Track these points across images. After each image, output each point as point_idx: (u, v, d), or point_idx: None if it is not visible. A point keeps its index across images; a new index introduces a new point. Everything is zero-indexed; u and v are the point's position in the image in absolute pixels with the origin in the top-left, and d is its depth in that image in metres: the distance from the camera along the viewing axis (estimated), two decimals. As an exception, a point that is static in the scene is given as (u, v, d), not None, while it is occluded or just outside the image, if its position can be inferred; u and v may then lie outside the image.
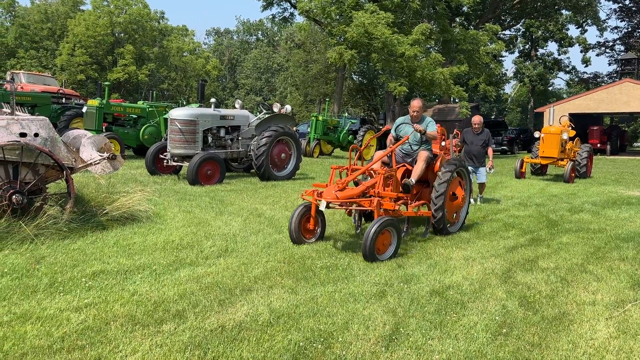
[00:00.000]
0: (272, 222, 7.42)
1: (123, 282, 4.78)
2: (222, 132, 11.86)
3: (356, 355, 3.60)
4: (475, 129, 10.18)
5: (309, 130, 22.03)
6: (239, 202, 8.99)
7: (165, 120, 13.66)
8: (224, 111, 12.11)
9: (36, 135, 5.95)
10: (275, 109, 12.40)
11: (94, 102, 14.06)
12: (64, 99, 17.84)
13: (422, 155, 7.04)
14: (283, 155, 12.09)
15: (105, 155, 6.56)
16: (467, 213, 7.83)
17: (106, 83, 15.02)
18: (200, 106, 12.69)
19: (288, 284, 4.90)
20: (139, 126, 14.64)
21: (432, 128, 7.28)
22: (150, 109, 14.96)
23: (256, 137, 11.86)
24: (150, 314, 4.09)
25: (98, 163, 6.52)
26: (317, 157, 21.60)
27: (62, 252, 5.52)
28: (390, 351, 3.68)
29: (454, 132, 9.90)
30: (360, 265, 5.60)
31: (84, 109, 14.31)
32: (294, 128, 14.83)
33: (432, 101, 42.76)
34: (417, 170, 6.94)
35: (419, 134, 7.20)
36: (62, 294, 4.47)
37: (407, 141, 7.22)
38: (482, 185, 10.23)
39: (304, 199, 6.50)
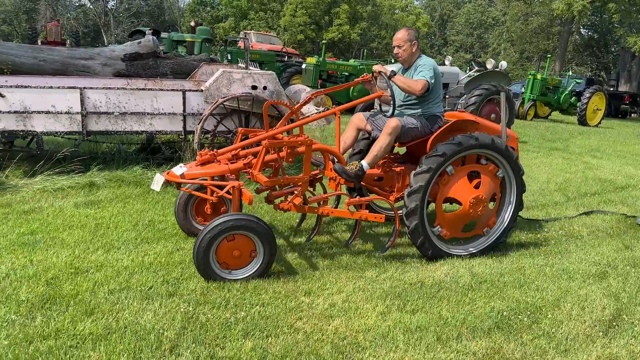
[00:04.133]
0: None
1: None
2: (430, 90, 11.65)
3: (567, 335, 3.30)
4: None
5: (523, 90, 20.33)
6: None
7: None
8: (433, 68, 11.85)
9: (265, 88, 6.60)
10: (489, 66, 11.69)
11: (311, 60, 15.01)
12: (286, 57, 19.46)
13: (389, 125, 4.34)
14: (493, 115, 11.41)
15: (321, 109, 6.97)
16: (511, 224, 4.68)
17: (323, 42, 15.86)
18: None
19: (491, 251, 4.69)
20: (351, 83, 15.26)
21: (422, 75, 4.40)
22: (360, 67, 15.41)
23: (465, 96, 11.38)
24: (354, 260, 4.31)
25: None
26: (531, 119, 19.88)
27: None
28: (609, 337, 3.29)
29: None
30: (577, 242, 5.06)
31: (303, 66, 15.38)
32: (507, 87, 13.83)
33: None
34: (375, 148, 4.39)
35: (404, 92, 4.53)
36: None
37: (399, 100, 4.65)
38: None
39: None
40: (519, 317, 3.49)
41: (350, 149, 4.96)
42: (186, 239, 4.56)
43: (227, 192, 3.94)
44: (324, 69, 14.99)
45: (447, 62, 12.48)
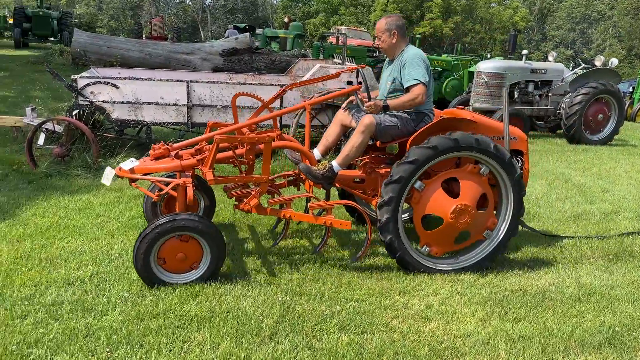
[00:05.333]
0: (582, 191, 6.67)
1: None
2: (531, 87, 11.07)
3: (692, 360, 3.00)
4: None
5: (630, 89, 18.77)
6: (542, 163, 8.35)
7: (469, 73, 13.46)
8: (535, 64, 11.23)
9: (360, 83, 6.57)
10: (598, 63, 10.88)
11: (403, 55, 14.80)
12: (376, 52, 19.31)
13: (362, 122, 3.90)
14: (600, 116, 10.62)
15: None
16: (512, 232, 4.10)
17: (417, 36, 15.57)
18: (509, 58, 12.06)
19: (600, 262, 4.38)
20: (442, 79, 14.82)
21: (412, 77, 3.88)
22: (455, 62, 14.94)
23: (569, 94, 10.69)
24: (451, 262, 4.19)
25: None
26: (640, 121, 18.32)
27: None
28: None
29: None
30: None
31: (395, 61, 15.22)
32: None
33: None
34: (346, 147, 3.97)
35: (391, 82, 4.10)
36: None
37: (382, 95, 4.22)
38: None
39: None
40: (633, 334, 3.24)
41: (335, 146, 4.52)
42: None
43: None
44: (416, 64, 14.73)
45: (550, 58, 11.79)
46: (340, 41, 19.34)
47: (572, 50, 56.38)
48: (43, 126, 5.84)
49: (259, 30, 24.95)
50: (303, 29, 27.88)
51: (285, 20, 24.99)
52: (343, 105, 4.36)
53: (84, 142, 6.02)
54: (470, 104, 11.00)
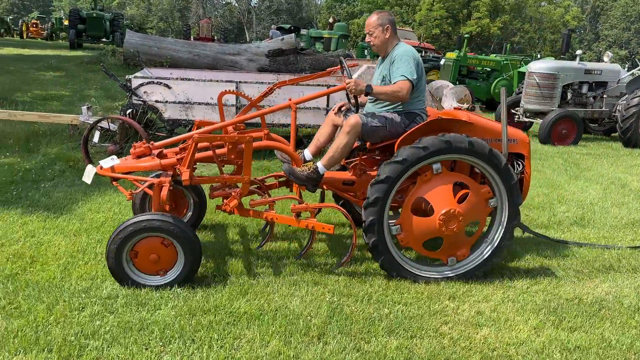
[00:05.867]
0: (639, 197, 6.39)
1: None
2: (585, 89, 10.68)
3: None
4: None
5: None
6: (597, 168, 8.04)
7: (519, 74, 13.12)
8: (589, 65, 10.83)
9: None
10: (658, 64, 10.38)
11: (451, 55, 14.57)
12: (422, 52, 19.12)
13: (348, 122, 3.74)
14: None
15: (465, 106, 6.72)
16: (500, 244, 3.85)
17: (466, 35, 15.29)
18: (562, 59, 11.68)
19: (661, 271, 4.18)
20: (491, 80, 14.51)
21: (400, 74, 3.68)
22: (504, 62, 14.61)
23: (626, 96, 10.25)
24: (500, 268, 4.09)
25: (458, 113, 6.76)
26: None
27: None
28: None
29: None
30: None
31: (442, 62, 14.99)
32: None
33: None
34: (332, 148, 3.81)
35: (381, 80, 3.92)
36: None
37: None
38: None
39: None
40: (700, 350, 3.06)
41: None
42: (343, 227, 4.66)
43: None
44: (464, 64, 14.45)
45: (605, 59, 11.34)
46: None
47: (627, 50, 54.08)
48: (98, 124, 6.05)
49: (303, 31, 25.08)
50: (347, 29, 27.84)
51: (330, 20, 25.06)
52: (334, 109, 4.27)
53: (137, 140, 6.19)
54: (520, 105, 10.72)
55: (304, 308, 3.27)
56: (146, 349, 2.78)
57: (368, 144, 4.01)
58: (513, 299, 3.58)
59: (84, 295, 3.25)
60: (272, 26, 32.57)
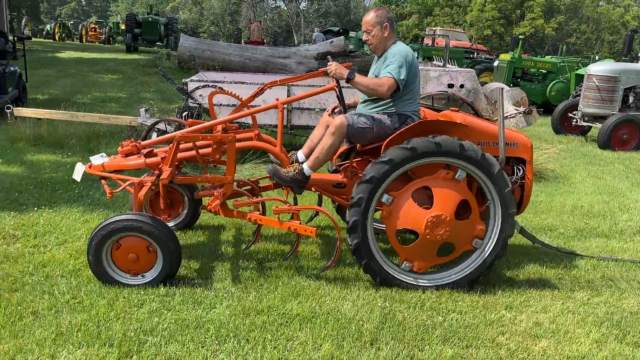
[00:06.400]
0: None
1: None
2: (648, 92, 10.17)
3: None
4: None
5: None
6: (662, 175, 7.64)
7: (577, 76, 12.64)
8: (654, 67, 10.31)
9: (461, 86, 6.39)
10: None
11: (505, 56, 14.19)
12: (475, 53, 18.73)
13: (333, 123, 3.67)
14: None
15: (521, 109, 6.53)
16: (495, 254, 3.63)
17: (521, 37, 14.88)
18: (623, 60, 11.16)
19: None
20: (547, 82, 14.04)
21: (387, 72, 3.58)
22: (561, 64, 14.11)
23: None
24: (559, 278, 3.95)
25: (513, 117, 6.57)
26: None
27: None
28: None
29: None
30: None
31: (495, 63, 14.63)
32: None
33: None
34: (317, 150, 3.73)
35: (374, 77, 3.78)
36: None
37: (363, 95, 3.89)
38: None
39: None
40: None
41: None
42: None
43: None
44: (519, 66, 14.04)
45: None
46: (436, 42, 18.98)
47: (694, 51, 51.11)
48: (155, 126, 6.23)
49: (352, 33, 25.08)
50: (396, 31, 27.61)
51: (379, 22, 24.86)
52: (328, 110, 4.20)
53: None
54: (578, 108, 10.32)
55: (355, 312, 3.25)
56: (202, 347, 2.84)
57: (358, 145, 3.91)
58: (573, 310, 3.44)
59: (142, 292, 3.35)
60: (316, 29, 32.66)
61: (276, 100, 3.84)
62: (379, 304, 3.37)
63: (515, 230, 3.83)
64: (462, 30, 32.31)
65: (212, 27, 58.03)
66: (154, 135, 6.24)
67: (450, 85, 6.40)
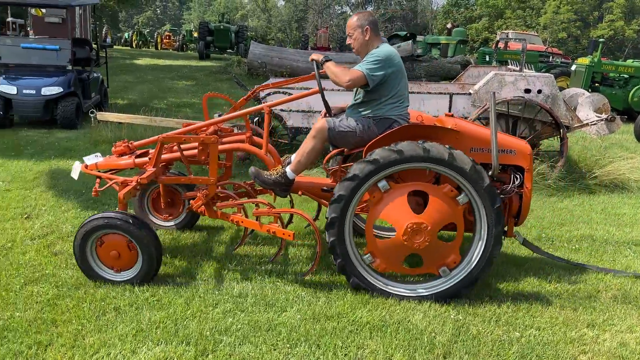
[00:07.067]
0: None
1: (614, 253, 4.48)
2: None
3: None
4: None
5: None
6: None
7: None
8: None
9: (539, 91, 6.13)
10: None
11: (584, 61, 13.50)
12: (550, 57, 17.98)
13: (314, 126, 3.66)
14: None
15: (603, 116, 6.18)
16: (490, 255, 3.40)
17: (601, 40, 14.12)
18: None
19: None
20: (629, 87, 13.21)
21: (358, 66, 3.53)
22: (646, 69, 13.24)
23: None
24: (648, 296, 3.69)
25: (594, 124, 6.24)
26: None
27: (549, 208, 5.63)
28: None
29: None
30: None
31: (573, 68, 13.96)
32: None
33: None
34: (298, 153, 3.72)
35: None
36: (550, 249, 4.56)
37: (352, 99, 3.83)
38: None
39: None
40: None
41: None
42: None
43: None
44: (598, 70, 13.31)
45: None
46: (508, 46, 18.38)
47: None
48: (228, 131, 6.41)
49: (419, 38, 24.75)
50: (466, 34, 27.01)
51: (448, 26, 24.48)
52: (322, 113, 4.11)
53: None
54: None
55: (427, 324, 3.19)
56: (274, 350, 2.88)
57: (345, 150, 3.86)
58: (665, 333, 3.20)
59: (217, 292, 3.44)
60: (380, 34, 32.51)
61: (262, 103, 3.90)
62: (452, 317, 3.28)
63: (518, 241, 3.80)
64: (535, 33, 31.07)
65: (280, 33, 59.14)
66: (226, 139, 6.41)
67: (527, 91, 6.15)
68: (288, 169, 3.72)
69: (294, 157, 3.94)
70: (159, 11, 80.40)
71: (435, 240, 3.40)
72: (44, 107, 8.59)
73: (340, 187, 3.38)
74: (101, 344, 2.84)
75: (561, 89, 9.07)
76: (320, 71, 3.74)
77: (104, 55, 11.33)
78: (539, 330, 3.19)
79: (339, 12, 64.43)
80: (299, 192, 3.97)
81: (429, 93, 6.59)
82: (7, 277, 3.52)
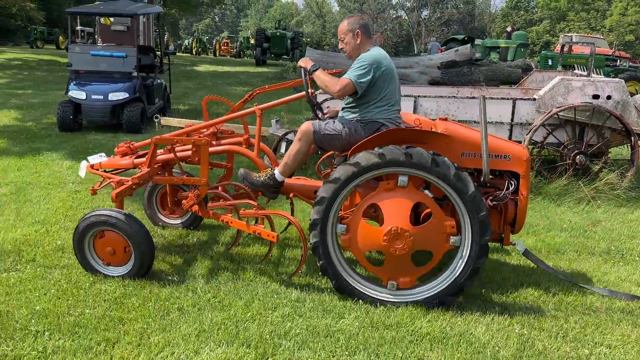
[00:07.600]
0: None
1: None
2: None
3: None
4: None
5: None
6: None
7: None
8: None
9: (609, 97, 5.85)
10: None
11: (654, 64, 12.84)
12: (618, 61, 17.15)
13: (300, 129, 3.70)
14: None
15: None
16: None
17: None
18: None
19: None
20: None
21: (347, 73, 3.51)
22: None
23: None
24: None
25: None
26: None
27: (618, 219, 5.36)
28: None
29: None
30: None
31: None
32: None
33: None
34: (285, 155, 3.76)
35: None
36: (620, 263, 4.34)
37: (343, 102, 3.80)
38: None
39: None
40: None
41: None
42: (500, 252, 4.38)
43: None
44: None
45: None
46: (571, 49, 17.65)
47: None
48: (285, 136, 6.49)
49: (478, 41, 24.19)
50: (526, 37, 26.16)
51: (508, 29, 23.80)
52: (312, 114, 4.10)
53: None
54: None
55: (490, 337, 3.09)
56: (333, 356, 2.87)
57: (336, 153, 3.87)
58: None
59: (275, 296, 3.48)
60: (432, 38, 31.94)
61: (255, 106, 4.02)
62: (516, 330, 3.17)
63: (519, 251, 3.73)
64: (601, 36, 29.73)
65: (334, 39, 59.34)
66: (283, 145, 6.49)
67: (596, 97, 5.88)
68: (276, 171, 3.80)
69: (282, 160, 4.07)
70: (217, 19, 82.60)
71: (407, 255, 3.35)
72: (111, 111, 8.98)
73: (323, 189, 3.40)
74: (165, 343, 2.93)
75: (631, 94, 8.63)
76: (309, 76, 3.75)
77: (167, 62, 11.74)
78: (610, 348, 3.04)
79: (394, 16, 64.05)
80: (290, 194, 4.04)
81: (491, 98, 6.42)
82: (77, 275, 3.69)
